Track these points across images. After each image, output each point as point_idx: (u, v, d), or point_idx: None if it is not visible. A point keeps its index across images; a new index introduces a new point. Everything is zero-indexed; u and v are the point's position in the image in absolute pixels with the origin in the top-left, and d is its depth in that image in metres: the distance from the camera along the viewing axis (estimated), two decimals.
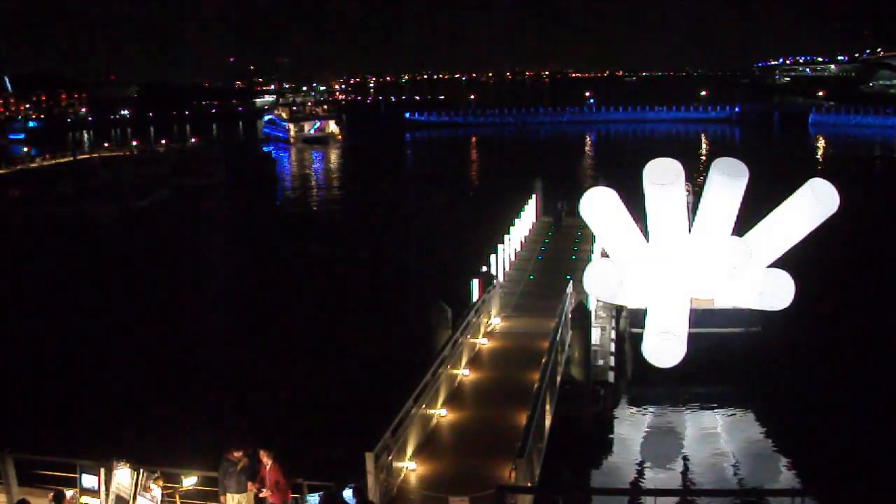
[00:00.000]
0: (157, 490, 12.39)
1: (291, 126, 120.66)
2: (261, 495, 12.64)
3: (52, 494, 12.07)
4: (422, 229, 50.96)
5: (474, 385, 19.56)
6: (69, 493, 12.99)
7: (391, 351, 26.64)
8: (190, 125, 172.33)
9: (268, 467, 12.47)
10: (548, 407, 17.71)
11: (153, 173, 73.16)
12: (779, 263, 23.68)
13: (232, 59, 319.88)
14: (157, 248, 48.75)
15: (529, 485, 13.80)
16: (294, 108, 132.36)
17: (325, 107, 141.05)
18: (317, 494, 12.25)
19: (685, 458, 20.12)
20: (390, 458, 13.83)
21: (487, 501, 12.71)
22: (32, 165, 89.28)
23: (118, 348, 29.56)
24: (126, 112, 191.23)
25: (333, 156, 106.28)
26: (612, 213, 23.87)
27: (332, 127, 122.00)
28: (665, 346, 22.00)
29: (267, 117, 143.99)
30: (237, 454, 12.53)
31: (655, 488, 17.56)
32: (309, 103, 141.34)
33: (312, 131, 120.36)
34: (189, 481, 12.85)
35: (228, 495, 12.58)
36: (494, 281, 25.87)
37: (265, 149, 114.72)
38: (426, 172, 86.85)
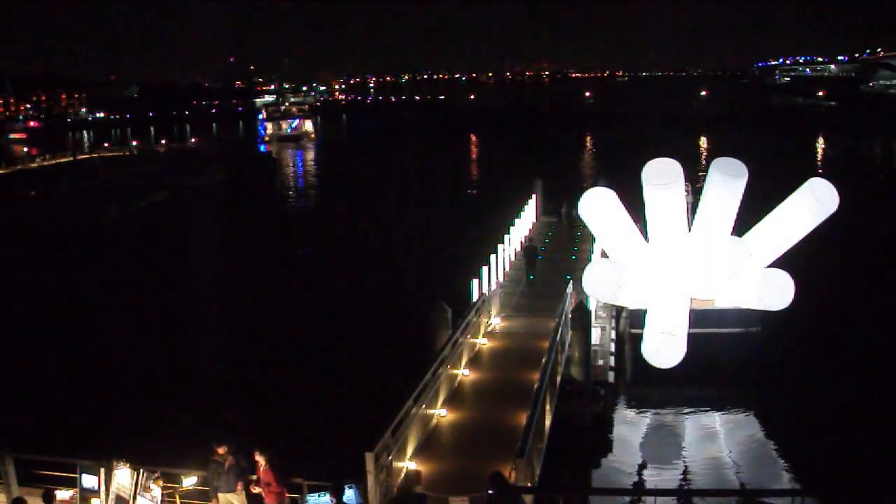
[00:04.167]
0: (157, 490, 12.40)
1: (269, 125, 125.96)
2: (253, 490, 12.66)
3: (42, 493, 12.07)
4: (422, 229, 50.96)
5: (474, 385, 19.56)
6: (69, 493, 13.01)
7: (391, 351, 26.63)
8: (190, 125, 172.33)
9: (262, 468, 12.48)
10: (548, 407, 17.72)
11: (153, 173, 73.17)
12: (779, 263, 23.66)
13: (232, 59, 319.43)
14: (156, 248, 48.75)
15: (529, 485, 13.80)
16: (271, 107, 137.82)
17: (306, 107, 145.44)
18: (352, 488, 12.09)
19: (685, 459, 20.11)
20: (390, 458, 13.83)
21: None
22: (32, 165, 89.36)
23: (118, 348, 29.54)
24: (102, 114, 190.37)
25: (331, 156, 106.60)
26: (612, 213, 23.85)
27: (308, 126, 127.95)
28: (665, 347, 21.97)
29: (260, 116, 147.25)
30: (221, 451, 12.53)
31: (655, 488, 17.56)
32: (286, 103, 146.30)
33: (290, 130, 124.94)
34: (189, 481, 12.86)
35: (220, 495, 12.59)
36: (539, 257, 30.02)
37: (262, 148, 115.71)
38: (426, 172, 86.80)
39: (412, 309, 29.84)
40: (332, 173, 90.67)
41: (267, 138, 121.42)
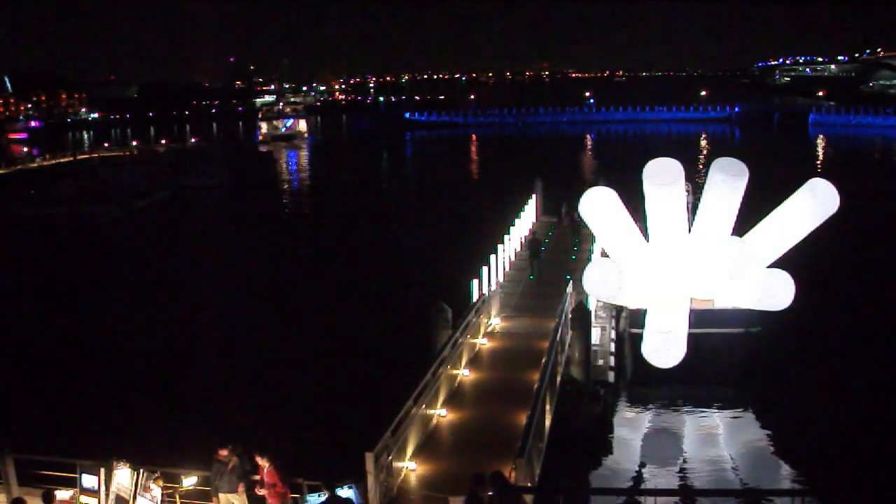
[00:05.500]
0: (157, 490, 12.40)
1: (264, 125, 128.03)
2: (257, 492, 12.67)
3: (42, 493, 12.07)
4: (422, 229, 50.95)
5: (474, 385, 19.56)
6: (69, 493, 13.01)
7: (391, 351, 26.64)
8: (190, 125, 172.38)
9: (265, 470, 12.48)
10: (548, 407, 17.72)
11: (153, 173, 73.12)
12: (779, 263, 23.65)
13: (232, 59, 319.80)
14: (156, 248, 48.75)
15: (529, 485, 13.80)
16: (266, 107, 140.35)
17: (301, 107, 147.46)
18: (352, 488, 12.12)
19: (685, 459, 20.10)
20: (390, 458, 13.83)
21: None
22: (32, 165, 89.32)
23: (118, 348, 29.53)
24: (101, 114, 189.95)
25: (327, 155, 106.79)
26: (612, 213, 23.84)
27: (302, 126, 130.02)
28: (665, 347, 21.97)
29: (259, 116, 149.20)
30: (224, 453, 12.54)
31: (655, 488, 17.55)
32: (281, 103, 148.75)
33: (284, 130, 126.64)
34: (189, 481, 12.86)
35: (221, 495, 12.59)
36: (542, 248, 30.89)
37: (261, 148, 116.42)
38: (426, 172, 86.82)
39: (412, 309, 29.84)
40: (329, 173, 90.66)
41: (262, 138, 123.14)
